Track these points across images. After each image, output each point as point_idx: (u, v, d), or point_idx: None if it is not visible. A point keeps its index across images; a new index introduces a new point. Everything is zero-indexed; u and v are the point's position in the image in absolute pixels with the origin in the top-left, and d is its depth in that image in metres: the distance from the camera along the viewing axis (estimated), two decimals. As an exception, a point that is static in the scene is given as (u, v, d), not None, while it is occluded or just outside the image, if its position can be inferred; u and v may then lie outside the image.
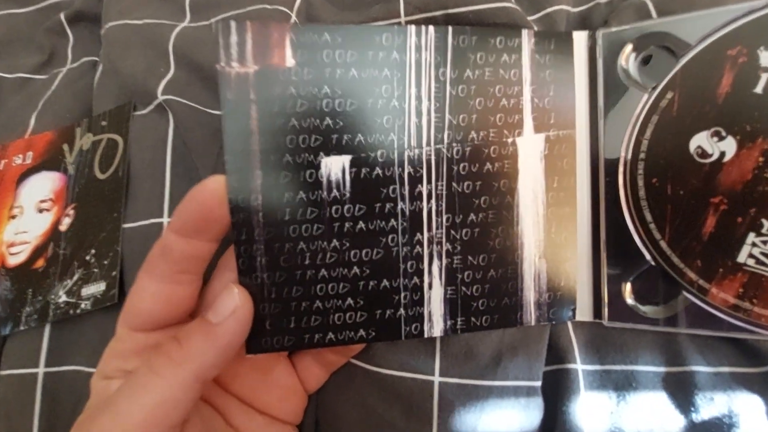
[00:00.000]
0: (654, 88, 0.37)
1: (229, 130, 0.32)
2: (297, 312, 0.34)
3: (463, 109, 0.35)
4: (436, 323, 0.37)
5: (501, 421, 0.38)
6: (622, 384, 0.39)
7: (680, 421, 0.37)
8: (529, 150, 0.36)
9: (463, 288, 0.37)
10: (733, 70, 0.34)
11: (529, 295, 0.38)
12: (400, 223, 0.36)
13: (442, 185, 0.36)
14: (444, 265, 0.37)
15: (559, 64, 0.38)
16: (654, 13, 0.40)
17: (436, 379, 0.39)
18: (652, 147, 0.37)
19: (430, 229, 0.36)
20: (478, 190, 0.36)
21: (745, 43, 0.34)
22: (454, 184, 0.36)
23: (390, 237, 0.36)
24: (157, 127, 0.46)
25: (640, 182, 0.37)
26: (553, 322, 0.40)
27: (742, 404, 0.37)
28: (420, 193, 0.35)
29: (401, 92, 0.35)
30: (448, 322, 0.37)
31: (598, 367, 0.40)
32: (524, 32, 0.36)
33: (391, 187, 0.35)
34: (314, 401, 0.42)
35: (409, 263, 0.36)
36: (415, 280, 0.36)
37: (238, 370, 0.37)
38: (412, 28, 0.35)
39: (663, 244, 0.37)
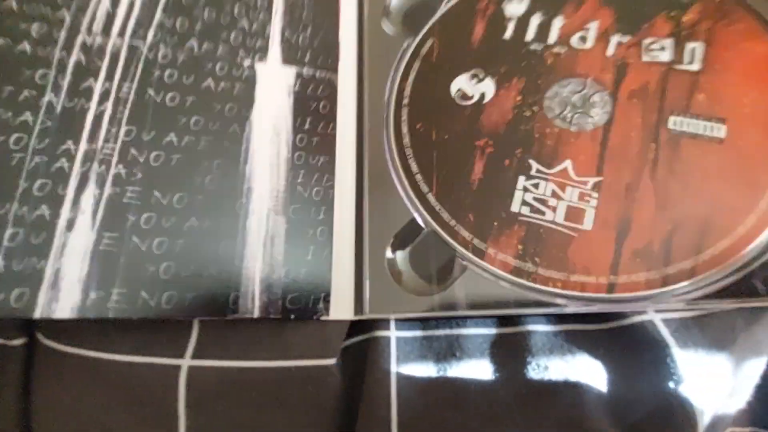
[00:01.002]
0: (415, 36, 0.18)
1: None
2: None
3: (183, 12, 0.12)
4: (64, 297, 0.08)
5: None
6: (445, 351, 0.15)
7: (512, 386, 0.14)
8: (274, 80, 0.13)
9: (135, 239, 0.09)
10: (484, 20, 0.18)
11: (253, 269, 0.10)
12: (40, 121, 0.08)
13: (130, 87, 0.10)
14: (106, 197, 0.09)
15: (318, 6, 0.19)
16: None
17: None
18: (415, 92, 0.17)
19: (93, 139, 0.09)
20: (189, 106, 0.10)
21: None
22: (151, 91, 0.10)
23: (14, 137, 0.08)
24: None
25: (405, 129, 0.17)
26: (291, 318, 0.14)
27: (583, 365, 0.14)
28: (89, 89, 0.09)
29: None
30: (92, 295, 0.08)
31: (418, 333, 0.15)
32: None
33: (41, 71, 0.09)
34: None
35: (38, 182, 0.08)
36: (43, 210, 0.08)
37: None
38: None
39: (431, 197, 0.16)
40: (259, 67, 0.16)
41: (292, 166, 0.15)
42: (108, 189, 0.12)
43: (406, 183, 0.15)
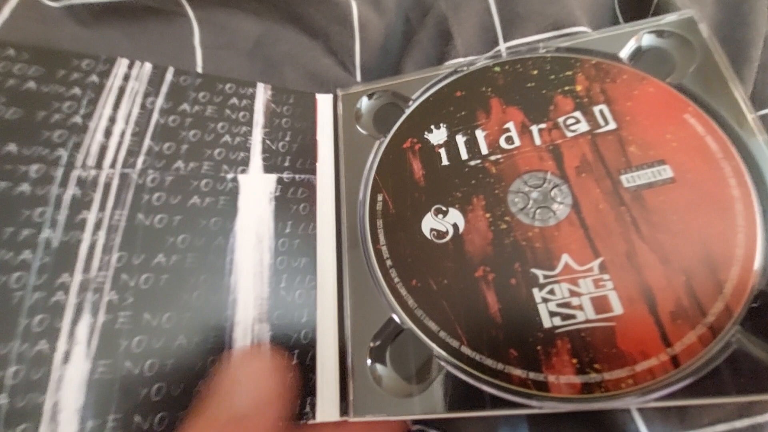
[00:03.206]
0: (386, 134, 0.20)
1: None
2: None
3: (170, 137, 0.16)
4: (63, 429, 0.09)
5: None
6: None
7: None
8: (256, 189, 0.15)
9: (128, 363, 0.11)
10: (417, 157, 0.19)
11: None
12: (39, 258, 0.10)
13: (121, 215, 0.12)
14: (100, 325, 0.11)
15: (299, 114, 0.21)
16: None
17: None
18: (394, 250, 0.18)
19: (88, 269, 0.11)
20: (176, 225, 0.13)
21: (413, 135, 0.20)
22: (140, 215, 0.13)
23: (15, 276, 0.10)
24: None
25: (396, 278, 0.17)
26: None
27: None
28: (83, 221, 0.12)
29: (89, 111, 0.15)
30: (89, 424, 0.10)
31: None
32: (260, 85, 0.17)
33: (39, 210, 0.11)
34: None
35: (37, 318, 0.10)
36: (42, 345, 0.10)
37: None
38: (125, 61, 0.15)
39: (465, 349, 0.16)
40: (242, 179, 0.18)
41: (275, 271, 0.17)
42: (101, 317, 0.14)
43: (390, 295, 0.17)
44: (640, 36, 0.19)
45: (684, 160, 0.16)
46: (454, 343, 0.16)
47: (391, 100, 0.21)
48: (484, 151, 0.19)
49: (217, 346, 0.15)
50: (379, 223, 0.18)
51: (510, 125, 0.19)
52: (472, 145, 0.19)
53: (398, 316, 0.17)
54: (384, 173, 0.19)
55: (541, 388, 0.15)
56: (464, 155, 0.19)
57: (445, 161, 0.19)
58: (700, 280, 0.15)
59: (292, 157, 0.19)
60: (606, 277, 0.15)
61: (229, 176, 0.18)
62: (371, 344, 0.16)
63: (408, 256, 0.17)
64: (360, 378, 0.16)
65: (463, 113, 0.20)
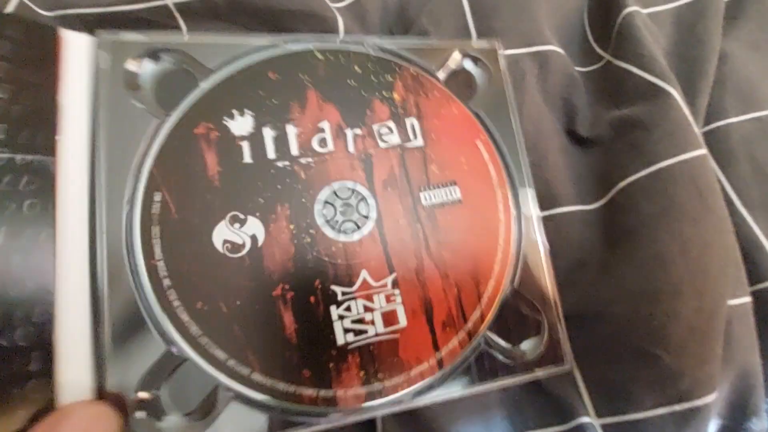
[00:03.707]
0: (168, 115, 0.16)
1: None
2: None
3: None
4: None
5: None
6: None
7: None
8: None
9: None
10: (212, 148, 0.16)
11: None
12: None
13: None
14: None
15: (23, 58, 0.14)
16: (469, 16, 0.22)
17: None
18: (174, 267, 0.15)
19: None
20: None
21: (209, 118, 0.16)
22: None
23: None
24: None
25: (175, 301, 0.15)
26: None
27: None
28: None
29: None
30: None
31: None
32: None
33: None
34: None
35: None
36: None
37: None
38: None
39: (256, 375, 0.15)
40: None
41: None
42: None
43: (167, 322, 0.14)
44: (452, 55, 0.20)
45: (470, 183, 0.18)
46: (245, 371, 0.14)
47: (183, 66, 0.17)
48: (295, 151, 0.17)
49: None
50: (155, 231, 0.15)
51: (325, 125, 0.17)
52: (281, 142, 0.17)
53: (177, 347, 0.14)
54: (165, 165, 0.15)
55: (330, 403, 0.15)
56: (271, 154, 0.16)
57: (247, 158, 0.16)
58: (467, 291, 0.17)
59: (12, 126, 0.13)
60: (396, 291, 0.16)
61: None
62: (140, 383, 0.13)
63: (193, 274, 0.15)
64: (126, 420, 0.13)
65: (274, 101, 0.17)
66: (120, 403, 0.13)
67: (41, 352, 0.13)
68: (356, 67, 0.18)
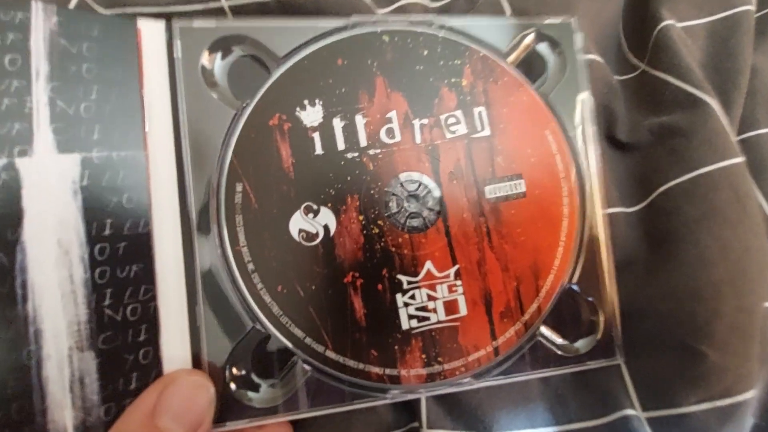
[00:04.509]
0: (244, 106, 0.17)
1: None
2: None
3: None
4: None
5: None
6: None
7: None
8: (47, 179, 0.09)
9: None
10: (286, 139, 0.17)
11: (62, 420, 0.09)
12: None
13: None
14: None
15: (109, 56, 0.15)
16: (508, 11, 0.21)
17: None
18: (256, 252, 0.16)
19: None
20: None
21: (282, 109, 0.17)
22: None
23: None
24: None
25: (259, 284, 0.16)
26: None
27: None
28: None
29: None
30: None
31: None
32: (35, 5, 0.10)
33: None
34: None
35: None
36: None
37: None
38: None
39: (329, 353, 0.16)
40: (22, 165, 0.12)
41: (94, 287, 0.14)
42: None
43: (252, 303, 0.16)
44: (523, 35, 0.19)
45: (536, 176, 0.18)
46: (320, 348, 0.16)
47: (254, 52, 0.17)
48: (363, 142, 0.17)
49: (21, 390, 0.12)
50: (239, 219, 0.16)
51: (392, 115, 0.17)
52: (350, 133, 0.17)
53: (261, 325, 0.16)
54: (244, 156, 0.16)
55: (394, 381, 0.17)
56: (341, 145, 0.17)
57: (318, 150, 0.17)
58: (526, 285, 0.18)
59: (104, 126, 0.14)
60: (459, 283, 0.17)
61: (0, 162, 0.12)
62: (231, 355, 0.16)
63: (273, 260, 0.16)
64: (219, 388, 0.15)
65: (343, 90, 0.17)
66: (214, 374, 0.15)
67: (148, 325, 0.15)
68: (424, 51, 0.18)
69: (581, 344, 0.18)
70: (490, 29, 0.19)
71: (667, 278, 0.18)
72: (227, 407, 0.15)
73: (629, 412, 0.18)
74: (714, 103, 0.20)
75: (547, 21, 0.19)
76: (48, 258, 0.13)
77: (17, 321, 0.12)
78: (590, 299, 0.18)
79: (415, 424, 0.18)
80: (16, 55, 0.13)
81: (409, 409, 0.19)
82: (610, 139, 0.22)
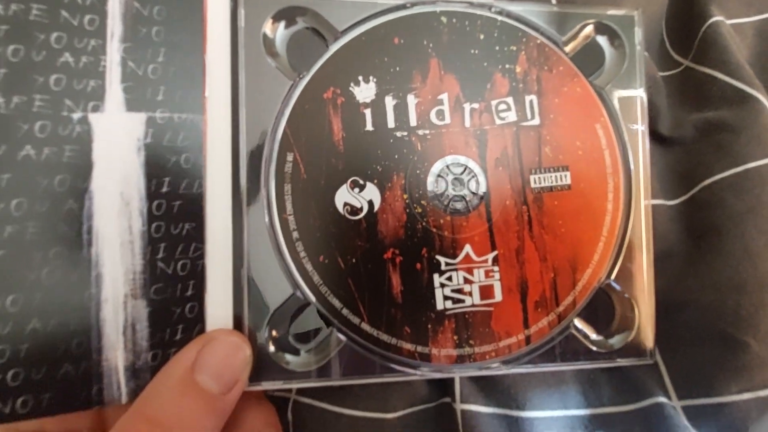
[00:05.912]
0: (301, 77, 0.17)
1: None
2: None
3: None
4: None
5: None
6: None
7: None
8: (116, 134, 0.10)
9: None
10: (338, 114, 0.17)
11: (114, 359, 0.10)
12: None
13: None
14: None
15: (176, 21, 0.16)
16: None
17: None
18: (302, 221, 0.17)
19: None
20: (5, 187, 0.08)
21: (337, 83, 0.17)
22: None
23: None
24: None
25: (302, 253, 0.17)
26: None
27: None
28: None
29: None
30: None
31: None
32: None
33: None
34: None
35: None
36: None
37: None
38: None
39: (364, 325, 0.17)
40: (95, 120, 0.13)
41: (150, 240, 0.15)
42: None
43: (295, 270, 0.16)
44: (583, 25, 0.19)
45: (582, 169, 0.19)
46: (355, 320, 0.17)
47: (314, 25, 0.17)
48: (413, 122, 0.18)
49: (81, 328, 0.13)
50: (287, 188, 0.17)
51: (444, 97, 0.18)
52: (401, 112, 0.17)
53: (301, 292, 0.17)
54: (297, 127, 0.17)
55: (425, 359, 0.17)
56: (391, 123, 0.17)
57: (369, 126, 0.17)
58: (563, 276, 0.18)
59: (168, 88, 0.15)
60: (496, 269, 0.18)
61: (76, 116, 0.13)
62: (270, 318, 0.16)
63: (317, 230, 0.17)
64: (256, 348, 0.16)
65: (398, 69, 0.18)
66: (253, 335, 0.16)
67: (196, 281, 0.16)
68: (480, 35, 0.18)
69: (615, 341, 0.18)
70: (549, 16, 0.19)
71: (708, 270, 0.19)
72: (264, 368, 0.16)
73: (661, 399, 0.19)
74: (765, 100, 0.20)
75: (610, 12, 0.19)
76: (112, 208, 0.14)
77: (82, 264, 0.13)
78: (627, 296, 0.19)
79: (448, 399, 0.19)
80: (94, 15, 0.14)
81: (442, 385, 0.20)
82: (652, 133, 0.22)
